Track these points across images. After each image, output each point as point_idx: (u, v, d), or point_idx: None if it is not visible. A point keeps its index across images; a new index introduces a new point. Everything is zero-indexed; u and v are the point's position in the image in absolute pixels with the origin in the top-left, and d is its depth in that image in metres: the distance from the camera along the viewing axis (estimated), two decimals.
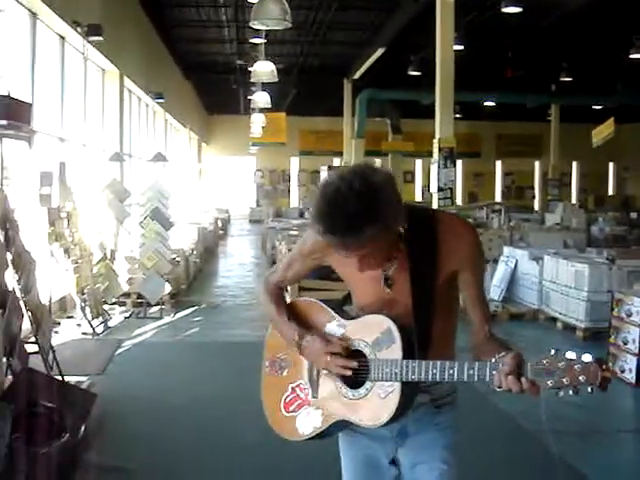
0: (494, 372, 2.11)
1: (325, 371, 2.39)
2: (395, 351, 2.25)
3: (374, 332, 2.30)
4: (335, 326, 2.43)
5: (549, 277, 9.99)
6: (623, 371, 7.05)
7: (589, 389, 1.97)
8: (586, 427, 6.01)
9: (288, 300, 2.65)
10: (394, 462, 2.50)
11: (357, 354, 2.34)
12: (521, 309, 10.40)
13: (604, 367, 1.98)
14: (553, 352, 2.04)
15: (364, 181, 2.10)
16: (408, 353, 2.24)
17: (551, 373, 2.01)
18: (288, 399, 2.50)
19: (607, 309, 7.75)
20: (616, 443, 5.84)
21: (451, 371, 2.16)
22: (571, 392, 1.99)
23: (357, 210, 2.06)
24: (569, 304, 9.30)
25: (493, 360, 2.13)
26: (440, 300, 2.35)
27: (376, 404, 2.28)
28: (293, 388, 2.50)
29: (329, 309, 2.48)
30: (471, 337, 2.39)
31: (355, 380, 2.33)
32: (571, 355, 2.00)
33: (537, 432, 5.70)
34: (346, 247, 2.14)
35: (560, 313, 9.53)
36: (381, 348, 2.28)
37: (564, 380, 1.99)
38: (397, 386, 2.24)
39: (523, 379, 2.06)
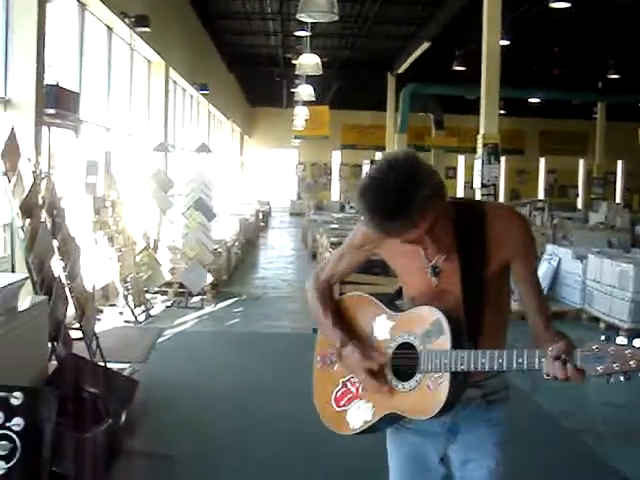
0: (543, 360, 2.08)
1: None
2: (444, 342, 2.23)
3: (424, 324, 2.29)
4: (385, 319, 2.42)
5: (593, 276, 9.87)
6: None
7: None
8: (630, 429, 5.93)
9: (337, 296, 2.64)
10: (443, 459, 2.48)
11: (407, 346, 2.33)
12: (564, 308, 10.28)
13: None
14: (603, 338, 2.01)
15: (407, 172, 2.13)
16: (457, 344, 2.22)
17: (601, 359, 1.97)
18: (339, 393, 2.49)
19: None
20: None
21: (500, 360, 2.14)
22: (622, 378, 1.95)
23: (407, 182, 2.10)
24: (613, 304, 9.18)
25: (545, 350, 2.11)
26: (491, 291, 2.33)
27: (426, 396, 2.26)
28: (344, 382, 2.49)
29: (379, 303, 2.47)
30: (530, 327, 2.37)
31: (406, 372, 2.31)
32: (622, 341, 1.97)
33: (580, 432, 5.66)
34: (404, 230, 2.15)
35: (603, 313, 9.41)
36: (430, 340, 2.27)
37: (614, 366, 1.95)
38: (447, 377, 2.22)
39: (569, 365, 2.03)
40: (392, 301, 2.52)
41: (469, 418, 2.41)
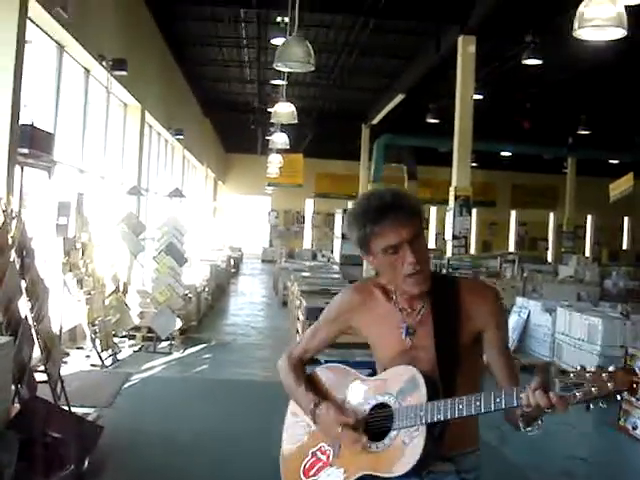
0: (522, 395, 2.08)
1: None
2: (420, 396, 2.25)
3: (398, 382, 2.32)
4: (358, 384, 2.45)
5: (562, 330, 9.91)
6: (635, 428, 6.95)
7: (618, 397, 1.94)
8: None
9: (310, 370, 2.67)
10: None
11: (381, 406, 2.34)
12: (533, 361, 10.29)
13: (632, 372, 1.95)
14: (579, 367, 2.03)
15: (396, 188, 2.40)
16: (433, 397, 2.23)
17: (579, 385, 1.99)
18: (308, 464, 2.49)
19: (620, 364, 7.66)
20: None
21: (477, 403, 2.13)
22: (601, 403, 1.96)
23: (394, 192, 2.34)
24: (582, 358, 9.20)
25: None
26: (464, 356, 2.36)
27: (401, 451, 2.25)
28: (313, 452, 2.49)
29: (352, 370, 2.51)
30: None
31: (380, 432, 2.32)
32: (596, 368, 1.99)
33: None
34: (397, 220, 2.28)
35: (572, 366, 9.42)
36: (405, 396, 2.28)
37: (593, 390, 1.96)
38: (422, 430, 2.22)
39: (551, 393, 2.04)
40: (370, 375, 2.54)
41: None
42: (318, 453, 2.46)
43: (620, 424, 7.15)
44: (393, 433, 2.28)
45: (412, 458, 2.21)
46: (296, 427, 2.57)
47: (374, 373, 2.55)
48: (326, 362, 2.79)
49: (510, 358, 2.45)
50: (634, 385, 1.93)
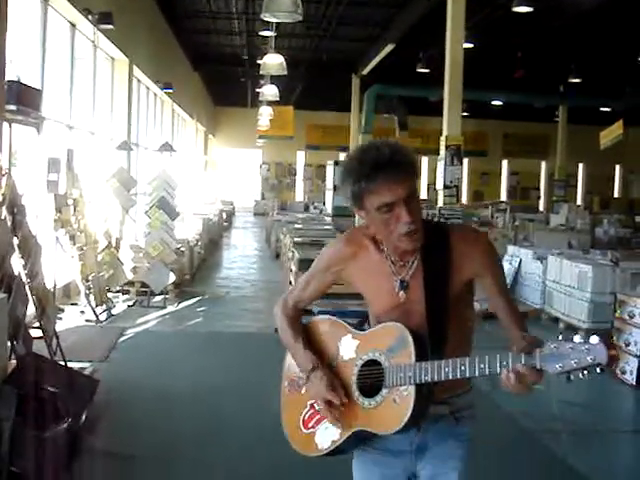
0: (503, 369, 2.12)
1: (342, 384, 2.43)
2: (409, 356, 2.27)
3: (388, 340, 2.33)
4: (349, 339, 2.46)
5: (552, 277, 10.00)
6: (624, 372, 7.06)
7: (598, 369, 1.97)
8: (587, 427, 6.03)
9: (306, 320, 2.68)
10: (412, 477, 2.51)
11: (372, 363, 2.36)
12: (524, 308, 10.38)
13: (611, 346, 1.98)
14: (561, 337, 2.05)
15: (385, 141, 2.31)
16: (421, 357, 2.26)
17: (559, 357, 2.01)
18: (307, 416, 2.52)
19: (610, 310, 7.76)
20: (615, 443, 5.85)
21: (462, 367, 2.17)
22: (581, 375, 2.00)
23: (393, 146, 2.27)
24: (572, 305, 9.31)
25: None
26: (455, 307, 2.38)
27: (392, 409, 2.29)
28: (312, 404, 2.51)
29: (345, 324, 2.52)
30: (508, 336, 2.39)
31: (373, 388, 2.34)
32: (578, 338, 2.01)
33: (538, 432, 5.74)
34: (393, 177, 2.23)
35: (563, 313, 9.54)
36: (395, 354, 2.30)
37: (572, 362, 1.99)
38: (412, 389, 2.25)
39: (519, 365, 2.07)
40: (360, 325, 2.56)
41: (438, 434, 2.45)
42: (316, 405, 2.48)
43: (609, 369, 7.25)
44: (384, 391, 2.30)
45: (403, 416, 2.25)
46: (294, 377, 2.59)
47: (365, 322, 2.57)
48: (319, 313, 2.82)
49: (511, 301, 2.45)
50: (612, 360, 1.97)
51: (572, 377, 2.02)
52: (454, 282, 2.37)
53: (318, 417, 2.48)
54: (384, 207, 2.26)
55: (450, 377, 2.19)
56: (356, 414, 2.36)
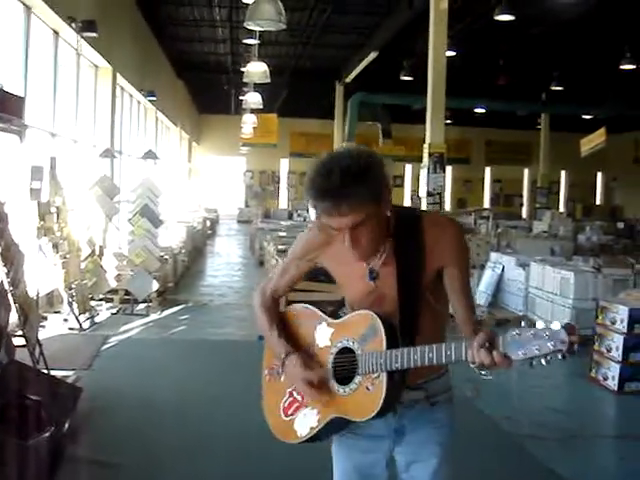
0: (468, 352, 2.15)
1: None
2: (380, 343, 2.30)
3: (360, 328, 2.37)
4: (325, 327, 2.50)
5: (535, 284, 10.05)
6: (606, 378, 7.11)
7: (559, 356, 1.99)
8: (568, 433, 6.06)
9: (282, 309, 2.71)
10: (388, 463, 2.56)
11: (347, 351, 2.40)
12: (507, 315, 10.44)
13: (572, 332, 1.99)
14: (524, 324, 2.08)
15: (358, 150, 2.27)
16: (392, 344, 2.29)
17: (522, 344, 2.03)
18: (287, 403, 2.56)
19: (592, 317, 7.80)
20: (597, 449, 5.88)
21: (430, 354, 2.20)
22: (543, 361, 2.02)
23: (350, 168, 2.19)
24: (554, 311, 9.36)
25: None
26: (427, 294, 2.40)
27: (365, 397, 2.32)
28: (290, 392, 2.55)
29: (319, 312, 2.55)
30: (461, 330, 2.42)
31: (347, 376, 2.39)
32: (540, 325, 2.03)
33: (521, 438, 5.77)
34: (338, 209, 2.20)
35: (545, 320, 9.55)
36: (367, 342, 2.34)
37: (535, 349, 2.01)
38: (384, 376, 2.29)
39: (495, 352, 2.09)
40: (335, 311, 2.60)
41: (414, 419, 2.49)
42: (294, 393, 2.53)
43: (592, 375, 7.30)
44: (358, 378, 2.35)
45: (376, 404, 2.29)
46: (273, 366, 2.62)
47: (339, 309, 2.62)
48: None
49: (469, 297, 2.46)
50: (571, 345, 1.98)
51: (534, 364, 2.04)
52: (426, 270, 2.38)
53: (297, 405, 2.52)
54: (330, 227, 2.30)
55: (419, 364, 2.23)
56: (332, 401, 2.41)
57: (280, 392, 2.58)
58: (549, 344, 1.99)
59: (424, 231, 2.39)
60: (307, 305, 2.62)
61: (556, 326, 1.99)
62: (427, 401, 2.49)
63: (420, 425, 2.49)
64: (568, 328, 1.99)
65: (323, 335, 2.49)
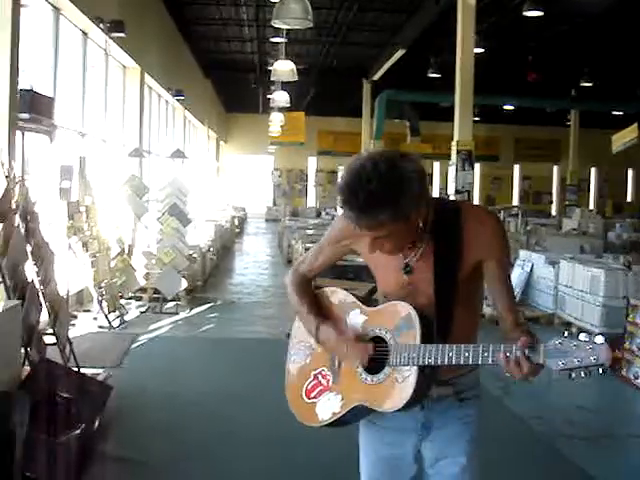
0: (508, 354, 2.11)
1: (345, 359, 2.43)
2: (414, 336, 2.28)
3: (395, 318, 2.34)
4: (358, 314, 2.47)
5: (565, 282, 9.96)
6: (637, 377, 7.03)
7: (600, 370, 1.98)
8: (599, 432, 6.01)
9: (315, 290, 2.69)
10: (416, 457, 2.53)
11: (378, 340, 2.36)
12: (536, 313, 10.38)
13: (615, 348, 1.98)
14: (567, 334, 2.06)
15: (391, 166, 2.18)
16: (427, 339, 2.26)
17: (563, 354, 2.01)
18: (310, 386, 2.53)
19: (622, 315, 7.73)
20: (627, 448, 5.82)
21: (467, 354, 2.17)
22: (583, 374, 2.00)
23: (375, 192, 2.13)
24: (584, 309, 9.27)
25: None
26: (463, 290, 2.37)
27: (394, 388, 2.30)
28: (315, 375, 2.52)
29: (353, 297, 2.52)
30: (500, 325, 2.39)
31: (376, 366, 2.35)
32: (584, 337, 2.01)
33: (551, 436, 5.73)
34: (359, 225, 2.20)
35: (575, 318, 9.50)
36: (401, 333, 2.31)
37: (575, 361, 1.99)
38: (414, 370, 2.26)
39: (522, 360, 2.08)
40: (368, 298, 2.57)
41: (442, 415, 2.46)
42: (319, 376, 2.50)
43: (622, 374, 7.23)
44: (388, 369, 2.31)
45: (404, 396, 2.27)
46: (300, 347, 2.60)
47: (372, 294, 2.62)
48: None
49: (511, 290, 2.43)
50: (615, 362, 1.98)
51: (573, 375, 2.02)
52: (463, 265, 2.35)
53: (321, 388, 2.49)
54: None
55: (453, 362, 2.20)
56: (358, 388, 2.37)
57: (305, 374, 2.55)
58: (592, 357, 1.97)
59: (463, 224, 2.36)
60: (339, 289, 2.60)
61: (599, 340, 1.98)
62: (456, 397, 2.47)
63: (448, 421, 2.47)
64: (612, 343, 1.97)
65: (356, 321, 2.45)
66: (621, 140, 19.78)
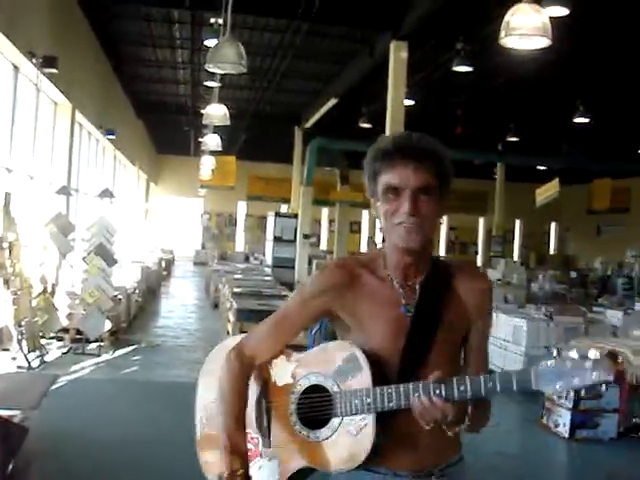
0: (463, 386, 1.89)
1: (276, 414, 2.13)
2: (364, 379, 1.99)
3: (334, 361, 2.05)
4: (284, 361, 2.16)
5: None
6: (557, 425, 7.14)
7: (603, 387, 1.77)
8: (519, 479, 6.07)
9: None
10: None
11: (316, 389, 2.08)
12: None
13: (615, 360, 1.78)
14: (556, 353, 1.96)
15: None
16: (380, 380, 1.99)
17: (559, 375, 1.81)
18: None
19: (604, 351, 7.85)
20: None
21: (437, 390, 1.90)
22: (584, 392, 1.92)
23: (428, 138, 2.16)
24: (507, 358, 9.42)
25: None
26: (446, 335, 2.12)
27: (348, 443, 2.00)
28: None
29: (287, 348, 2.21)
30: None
31: (316, 419, 2.06)
32: (574, 354, 1.80)
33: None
34: (412, 162, 2.09)
35: (498, 367, 9.63)
36: (345, 378, 2.02)
37: (574, 381, 1.79)
38: (371, 419, 1.98)
39: (423, 397, 1.88)
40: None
41: None
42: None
43: (542, 422, 7.34)
44: (335, 421, 2.02)
45: (364, 451, 1.98)
46: (215, 409, 2.26)
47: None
48: None
49: (486, 352, 2.22)
50: (618, 375, 1.77)
51: (582, 393, 1.91)
52: (449, 312, 2.12)
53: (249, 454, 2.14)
54: (390, 191, 2.09)
55: (424, 401, 1.90)
56: (299, 449, 2.06)
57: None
58: (593, 374, 1.77)
59: (455, 279, 2.19)
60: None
61: (595, 355, 1.78)
62: None
63: None
64: (611, 356, 1.79)
65: (282, 371, 2.14)
66: (544, 194, 20.35)
